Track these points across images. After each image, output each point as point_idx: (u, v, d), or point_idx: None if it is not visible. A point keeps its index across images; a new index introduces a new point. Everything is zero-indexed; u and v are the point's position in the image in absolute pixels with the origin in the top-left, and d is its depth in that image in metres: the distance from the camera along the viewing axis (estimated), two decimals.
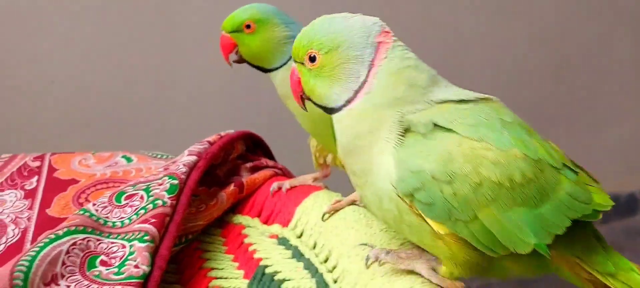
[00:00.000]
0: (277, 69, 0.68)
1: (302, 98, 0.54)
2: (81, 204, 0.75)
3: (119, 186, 0.73)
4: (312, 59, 0.52)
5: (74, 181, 0.80)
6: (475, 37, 1.75)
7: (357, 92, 0.50)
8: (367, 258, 0.56)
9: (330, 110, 0.52)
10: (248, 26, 0.67)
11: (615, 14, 1.97)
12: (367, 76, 0.50)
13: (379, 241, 0.61)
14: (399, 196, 0.48)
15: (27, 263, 0.56)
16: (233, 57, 0.69)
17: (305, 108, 0.55)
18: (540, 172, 0.48)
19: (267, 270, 0.67)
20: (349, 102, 0.50)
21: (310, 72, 0.52)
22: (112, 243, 0.63)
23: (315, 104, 0.53)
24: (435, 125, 0.48)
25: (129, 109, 1.33)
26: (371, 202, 0.52)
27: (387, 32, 0.53)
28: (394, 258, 0.54)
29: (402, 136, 0.48)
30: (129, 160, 0.86)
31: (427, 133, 0.48)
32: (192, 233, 0.73)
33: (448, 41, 1.71)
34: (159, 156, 0.88)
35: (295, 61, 0.53)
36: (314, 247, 0.68)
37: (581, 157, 2.17)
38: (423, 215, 0.48)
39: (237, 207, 0.79)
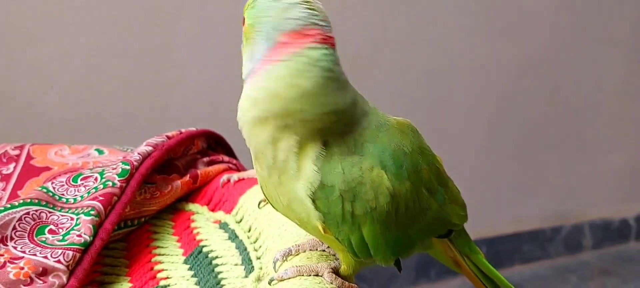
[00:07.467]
0: None
1: None
2: None
3: None
4: (243, 22, 0.52)
5: (47, 168, 0.88)
6: (468, 60, 1.79)
7: (247, 77, 0.52)
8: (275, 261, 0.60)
9: None
10: None
11: (608, 40, 1.99)
12: (256, 68, 0.51)
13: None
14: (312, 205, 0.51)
15: None
16: None
17: None
18: (418, 202, 0.53)
19: (204, 249, 0.73)
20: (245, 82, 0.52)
21: (243, 32, 0.53)
22: (63, 216, 0.70)
23: None
24: (355, 146, 0.51)
25: (125, 112, 1.42)
26: (280, 200, 0.53)
27: (302, 34, 0.50)
28: (294, 271, 0.56)
29: (324, 148, 0.51)
30: (100, 152, 0.94)
31: (347, 153, 0.51)
32: (145, 217, 0.81)
33: (440, 64, 1.76)
34: (129, 150, 0.96)
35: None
36: (249, 230, 0.75)
37: (575, 182, 2.20)
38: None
39: (190, 196, 0.86)
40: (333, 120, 0.51)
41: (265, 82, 0.50)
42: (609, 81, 2.04)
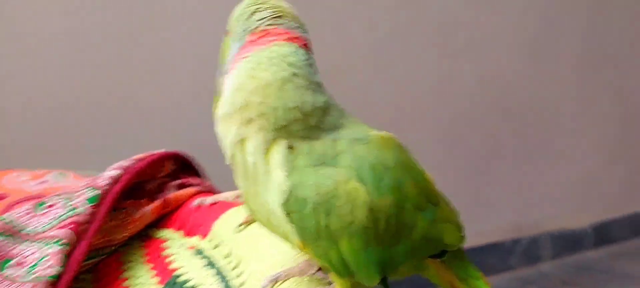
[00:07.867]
0: None
1: None
2: None
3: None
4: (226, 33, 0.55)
5: (2, 196, 0.83)
6: (425, 78, 1.81)
7: (224, 81, 0.53)
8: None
9: None
10: None
11: (560, 58, 2.06)
12: (229, 69, 0.52)
13: (285, 247, 0.65)
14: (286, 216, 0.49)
15: None
16: None
17: None
18: (402, 218, 0.51)
19: (180, 279, 0.70)
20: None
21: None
22: (27, 248, 0.65)
23: None
24: (327, 156, 0.50)
25: (84, 134, 1.36)
26: (261, 215, 0.52)
27: (268, 32, 0.52)
28: None
29: (291, 151, 0.49)
30: (62, 176, 0.89)
31: (319, 164, 0.49)
32: (115, 245, 0.76)
33: (397, 82, 1.77)
34: (93, 174, 0.91)
35: None
36: (228, 256, 0.71)
37: (531, 194, 2.24)
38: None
39: (161, 221, 0.82)
40: (297, 119, 0.50)
41: (233, 78, 0.51)
42: (561, 96, 2.10)
